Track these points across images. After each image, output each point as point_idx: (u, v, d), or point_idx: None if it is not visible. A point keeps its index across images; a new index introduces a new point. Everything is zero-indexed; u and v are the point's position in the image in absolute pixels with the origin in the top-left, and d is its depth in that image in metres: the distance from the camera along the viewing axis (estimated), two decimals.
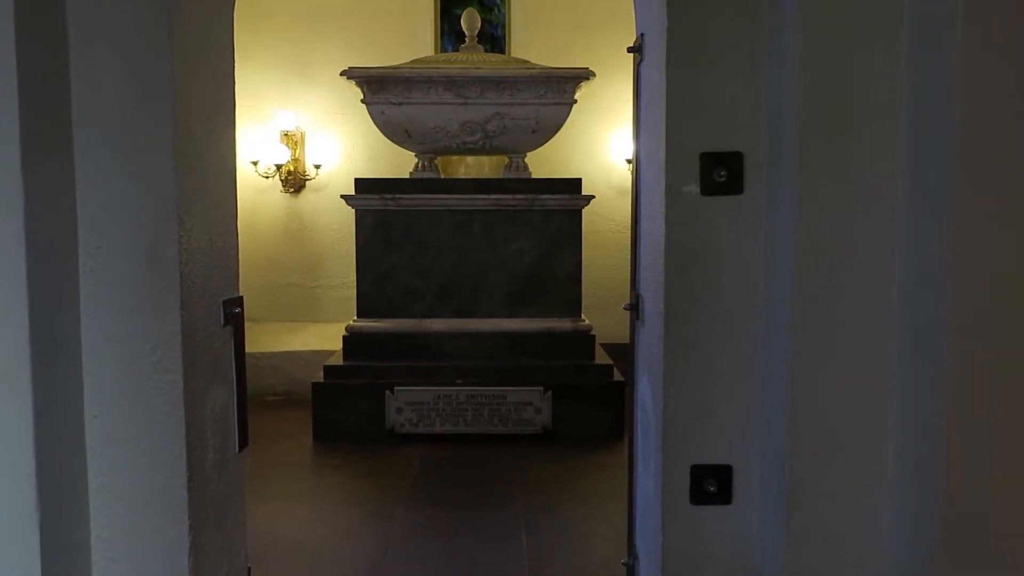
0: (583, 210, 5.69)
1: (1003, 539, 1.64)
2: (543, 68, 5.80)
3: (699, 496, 1.96)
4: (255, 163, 7.21)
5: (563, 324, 5.63)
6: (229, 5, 2.13)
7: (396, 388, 5.33)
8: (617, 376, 5.47)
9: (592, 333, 5.67)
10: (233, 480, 2.14)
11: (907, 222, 1.72)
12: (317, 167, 7.44)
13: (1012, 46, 1.55)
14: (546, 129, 5.86)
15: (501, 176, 6.10)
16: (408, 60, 6.08)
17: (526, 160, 6.04)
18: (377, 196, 5.60)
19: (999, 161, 1.57)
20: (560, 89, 5.73)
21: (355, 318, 5.69)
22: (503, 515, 4.06)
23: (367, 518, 4.18)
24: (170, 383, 1.81)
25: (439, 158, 6.26)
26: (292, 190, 7.49)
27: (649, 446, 2.14)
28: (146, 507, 1.83)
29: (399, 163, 6.59)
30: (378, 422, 5.32)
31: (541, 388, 5.32)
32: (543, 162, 6.70)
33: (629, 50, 2.28)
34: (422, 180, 5.90)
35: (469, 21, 6.21)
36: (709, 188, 1.89)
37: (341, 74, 5.73)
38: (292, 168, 7.42)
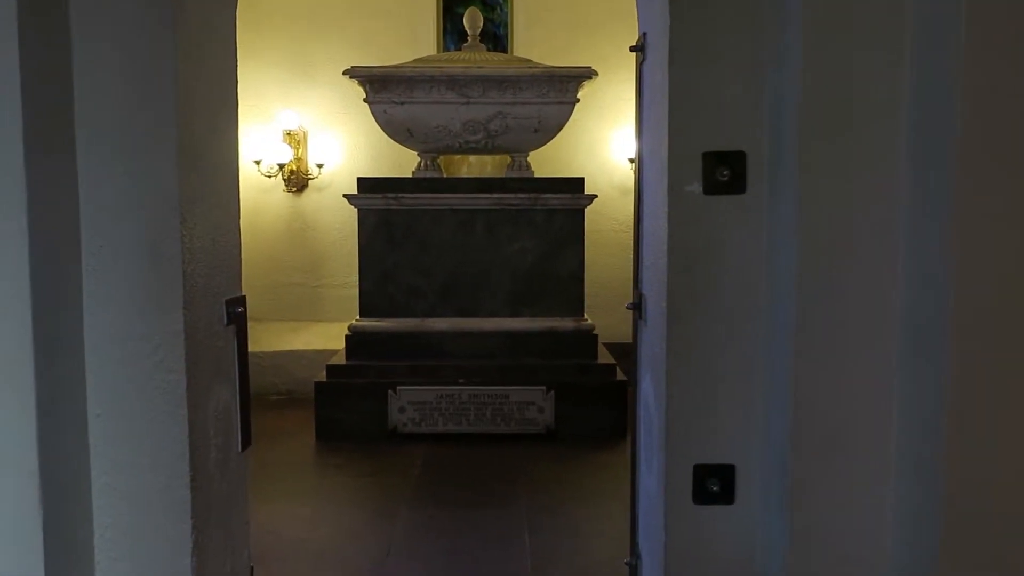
0: (585, 209, 5.69)
1: (1005, 539, 1.64)
2: (545, 67, 5.80)
3: (702, 496, 1.95)
4: (258, 162, 7.22)
5: (566, 323, 5.63)
6: (231, 4, 2.13)
7: (399, 387, 5.33)
8: (620, 375, 5.48)
9: (595, 332, 5.67)
10: (236, 479, 2.14)
11: (908, 222, 1.72)
12: (320, 166, 7.44)
13: (1014, 47, 1.54)
14: (548, 128, 5.86)
15: (503, 175, 6.10)
16: (410, 59, 6.09)
17: (528, 159, 6.04)
18: (380, 195, 5.61)
19: (1000, 161, 1.56)
20: (562, 88, 5.73)
21: (358, 317, 5.69)
22: (506, 515, 4.06)
23: (370, 517, 4.18)
24: (173, 382, 1.81)
25: (441, 157, 6.26)
26: (295, 189, 7.50)
27: (652, 445, 2.14)
28: (149, 506, 1.83)
29: (401, 162, 6.59)
30: (381, 421, 5.33)
31: (544, 388, 5.33)
32: (545, 161, 6.70)
33: (631, 49, 2.28)
34: (424, 179, 5.91)
35: (471, 20, 6.21)
36: (712, 187, 1.89)
37: (344, 73, 5.74)
38: (295, 167, 7.43)
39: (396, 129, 5.87)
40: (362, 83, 5.75)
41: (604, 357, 5.67)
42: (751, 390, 1.94)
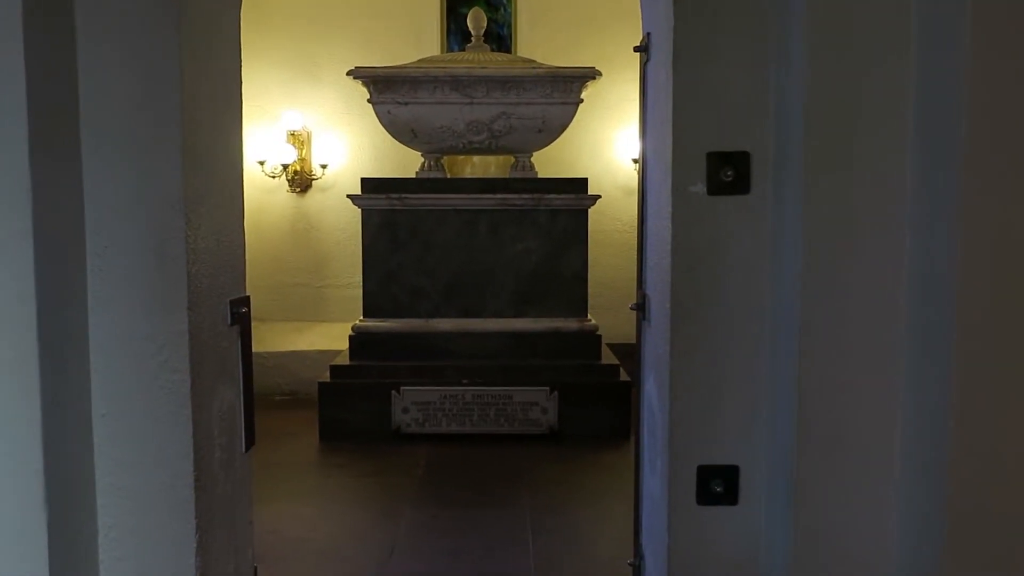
0: (589, 210, 5.69)
1: (1010, 538, 1.63)
2: (549, 67, 5.80)
3: (705, 496, 1.95)
4: (262, 163, 7.23)
5: (569, 324, 5.62)
6: (236, 4, 2.14)
7: (402, 388, 5.33)
8: (623, 376, 5.47)
9: (598, 333, 5.67)
10: (240, 479, 2.14)
11: (914, 222, 1.72)
12: (323, 167, 7.45)
13: (1020, 46, 1.54)
14: (552, 128, 5.86)
15: (507, 176, 6.10)
16: (414, 60, 6.09)
17: (532, 160, 6.04)
18: (383, 196, 5.61)
19: (1007, 161, 1.56)
20: (566, 88, 5.73)
21: (361, 318, 5.70)
22: (509, 515, 4.06)
23: (373, 517, 4.18)
24: (177, 382, 1.81)
25: (445, 158, 6.26)
26: (298, 190, 7.51)
27: (655, 446, 2.14)
28: (153, 506, 1.84)
29: (405, 163, 6.60)
30: (384, 422, 5.33)
31: (547, 388, 5.32)
32: (549, 162, 6.70)
33: (635, 49, 2.28)
34: (428, 180, 5.91)
35: (475, 20, 6.21)
36: (716, 188, 1.89)
37: (348, 74, 5.74)
38: (298, 168, 7.43)
39: (400, 129, 5.87)
40: (366, 83, 5.76)
41: (608, 358, 5.67)
42: (755, 391, 1.94)
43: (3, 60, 1.58)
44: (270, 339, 6.58)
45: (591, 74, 5.70)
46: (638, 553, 2.41)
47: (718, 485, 1.95)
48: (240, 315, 2.09)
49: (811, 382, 1.79)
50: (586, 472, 4.76)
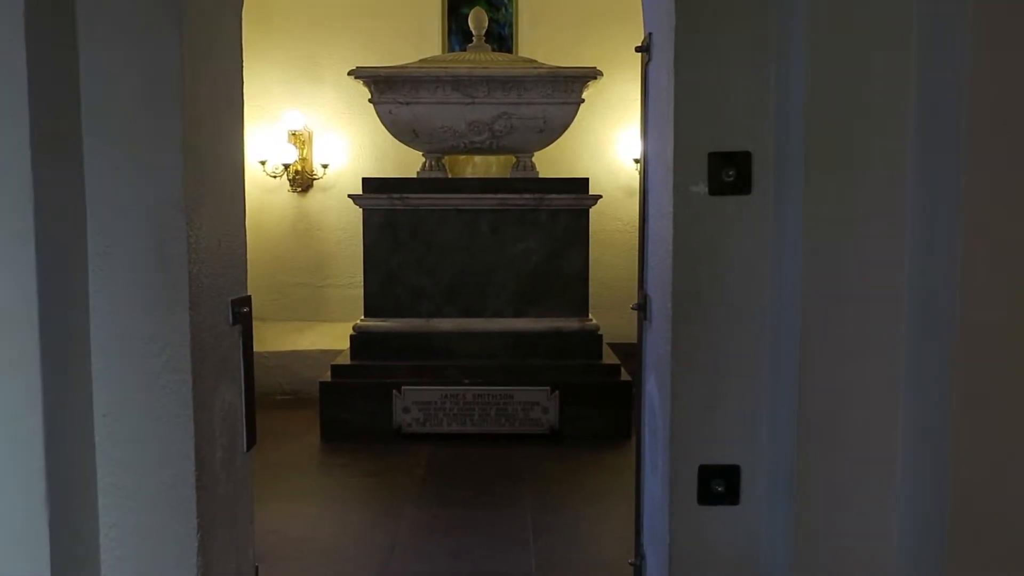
0: (590, 210, 5.69)
1: (1013, 538, 1.63)
2: (550, 67, 5.80)
3: (706, 496, 1.95)
4: (263, 163, 7.23)
5: (570, 324, 5.62)
6: (237, 4, 2.14)
7: (403, 387, 5.34)
8: (624, 376, 5.47)
9: (599, 333, 5.67)
10: (241, 479, 2.15)
11: (916, 221, 1.72)
12: (324, 167, 7.45)
13: (1021, 45, 1.54)
14: (553, 128, 5.86)
15: (508, 176, 6.10)
16: (415, 60, 6.09)
17: (533, 160, 6.04)
18: (384, 196, 5.61)
19: (1008, 161, 1.56)
20: (567, 88, 5.73)
21: (362, 317, 5.70)
22: (510, 515, 4.06)
23: (374, 517, 4.18)
24: (179, 382, 1.82)
25: (446, 158, 6.26)
26: (300, 190, 7.51)
27: (656, 446, 2.14)
28: (155, 505, 1.84)
29: (406, 163, 6.60)
30: (385, 421, 5.33)
31: (548, 388, 5.32)
32: (550, 162, 6.70)
33: (637, 49, 2.28)
34: (429, 180, 5.91)
35: (476, 20, 6.21)
36: (717, 188, 1.89)
37: (349, 74, 5.75)
38: (300, 168, 7.44)
39: (401, 129, 5.87)
40: (367, 83, 5.76)
41: (609, 357, 5.67)
42: (756, 391, 1.94)
43: (5, 60, 1.59)
44: (271, 339, 6.58)
45: (592, 74, 5.70)
46: (639, 553, 2.41)
47: (719, 485, 1.95)
48: (242, 315, 2.10)
49: (812, 382, 1.79)
50: (587, 472, 4.76)
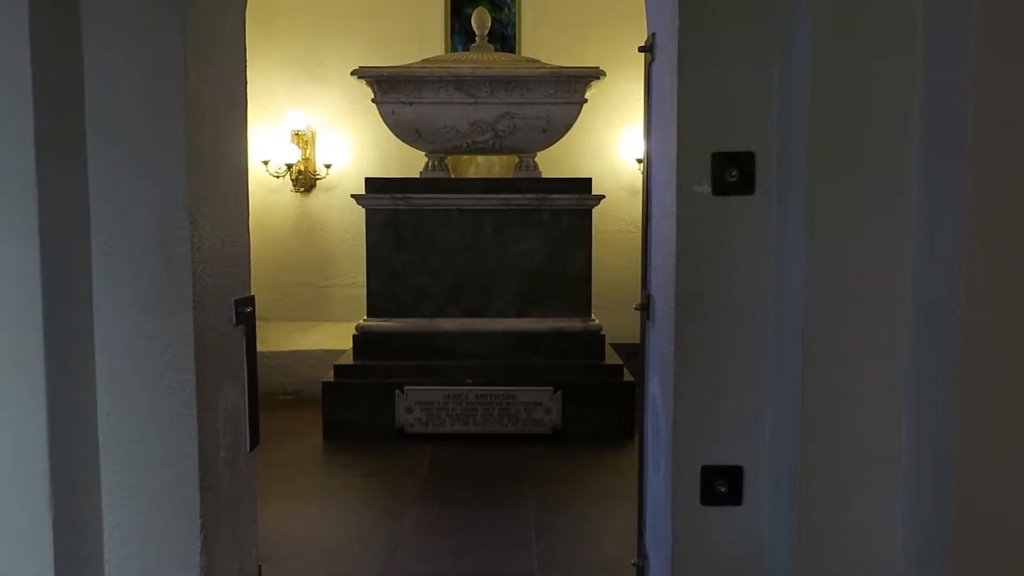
0: (593, 210, 5.69)
1: (1015, 539, 1.63)
2: (553, 67, 5.80)
3: (709, 497, 1.95)
4: (266, 162, 7.24)
5: (573, 324, 5.62)
6: (241, 4, 2.14)
7: (406, 387, 5.34)
8: (627, 376, 5.47)
9: (602, 333, 5.66)
10: (244, 479, 2.15)
11: (919, 222, 1.71)
12: (327, 167, 7.46)
13: None
14: (556, 128, 5.86)
15: (511, 176, 6.10)
16: (418, 60, 6.09)
17: (536, 160, 6.04)
18: (387, 196, 5.61)
19: (1013, 161, 1.55)
20: (570, 88, 5.72)
21: (365, 317, 5.70)
22: (512, 515, 4.06)
23: (377, 517, 4.19)
24: (182, 382, 1.82)
25: (449, 158, 6.26)
26: (302, 189, 7.52)
27: (659, 446, 2.14)
28: (158, 505, 1.84)
29: (409, 163, 6.60)
30: (388, 421, 5.33)
31: (551, 388, 5.32)
32: (553, 162, 6.70)
33: (640, 49, 2.28)
34: (432, 180, 5.91)
35: (479, 20, 6.21)
36: (720, 188, 1.89)
37: (352, 74, 5.75)
38: (303, 167, 7.44)
39: (404, 129, 5.87)
40: (370, 83, 5.76)
41: (611, 358, 5.67)
42: (759, 391, 1.94)
43: (9, 61, 1.59)
44: (274, 339, 6.59)
45: (595, 74, 5.70)
46: (642, 553, 2.41)
47: (722, 485, 1.95)
48: (245, 315, 2.10)
49: (815, 382, 1.78)
50: (590, 472, 4.76)
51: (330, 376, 5.55)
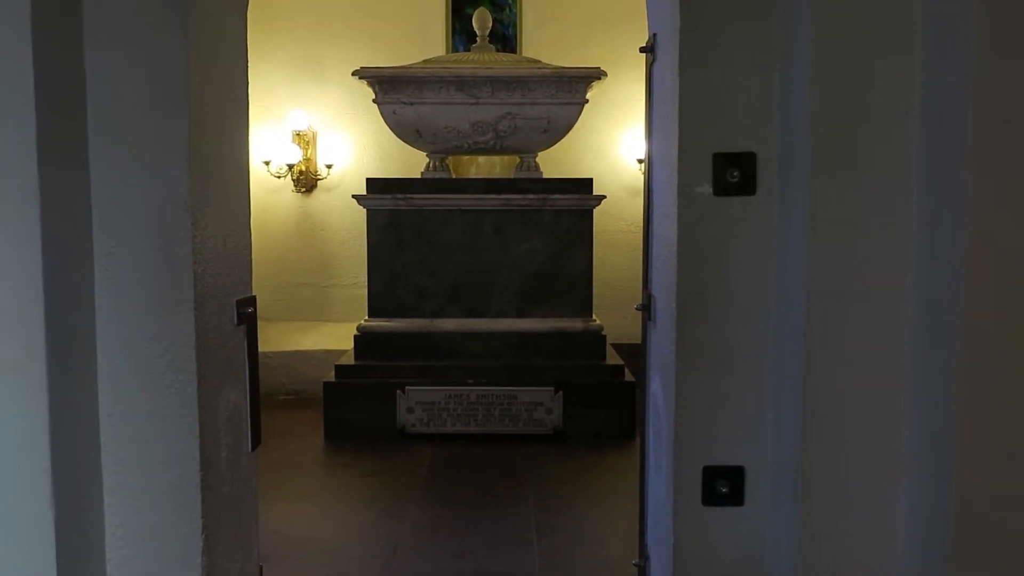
0: (594, 210, 5.69)
1: (1016, 540, 1.63)
2: (554, 68, 5.80)
3: (711, 497, 1.95)
4: (267, 163, 7.24)
5: (574, 324, 5.62)
6: (243, 5, 2.14)
7: (407, 388, 5.34)
8: (628, 376, 5.47)
9: (603, 333, 5.66)
10: (246, 479, 2.15)
11: (920, 223, 1.71)
12: (329, 167, 7.46)
13: None
14: (557, 129, 5.86)
15: (512, 176, 6.10)
16: (420, 60, 6.09)
17: (537, 160, 6.04)
18: (388, 196, 5.62)
19: (1013, 162, 1.55)
20: (571, 89, 5.73)
21: (366, 318, 5.70)
22: (513, 515, 4.06)
23: (378, 517, 4.19)
24: (184, 382, 1.82)
25: (450, 158, 6.27)
26: (304, 190, 7.52)
27: (661, 447, 2.14)
28: (160, 505, 1.84)
29: (410, 163, 6.60)
30: (389, 421, 5.33)
31: (552, 388, 5.32)
32: (554, 162, 6.70)
33: (641, 50, 2.28)
34: (433, 180, 5.91)
35: (480, 21, 6.21)
36: (722, 188, 1.89)
37: (353, 74, 5.75)
38: (304, 168, 7.44)
39: (405, 130, 5.87)
40: (371, 84, 5.77)
41: (612, 358, 5.67)
42: (761, 391, 1.94)
43: (11, 61, 1.59)
44: (275, 339, 6.59)
45: (596, 74, 5.70)
46: (643, 554, 2.41)
47: (723, 486, 1.95)
48: (246, 315, 2.10)
49: (817, 383, 1.79)
50: (591, 472, 4.76)
51: (331, 376, 5.55)
